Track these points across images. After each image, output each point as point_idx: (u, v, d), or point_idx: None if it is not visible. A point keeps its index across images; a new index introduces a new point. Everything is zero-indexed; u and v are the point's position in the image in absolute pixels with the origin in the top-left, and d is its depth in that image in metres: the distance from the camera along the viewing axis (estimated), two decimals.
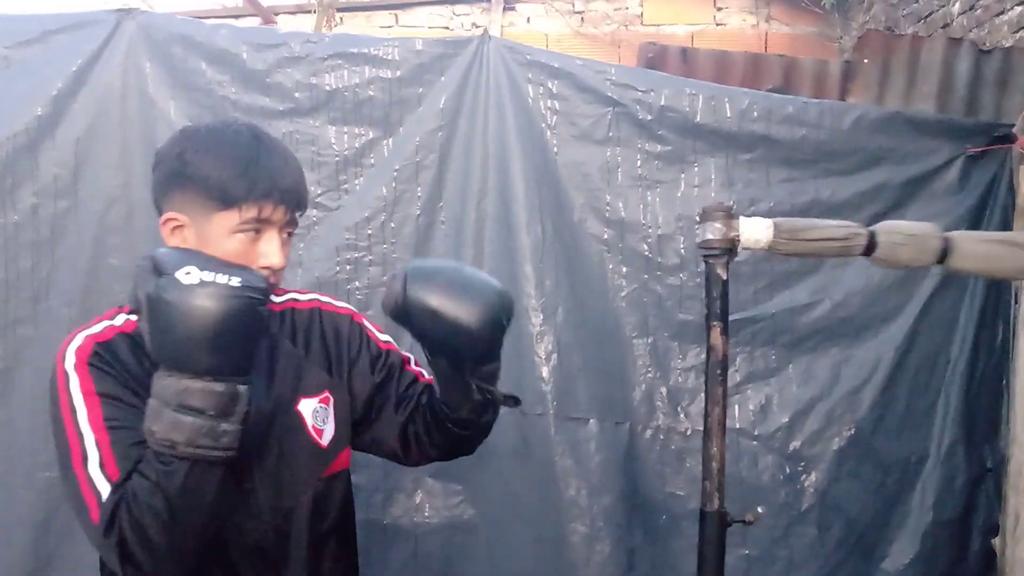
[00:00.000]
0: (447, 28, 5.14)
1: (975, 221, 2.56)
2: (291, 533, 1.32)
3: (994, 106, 2.83)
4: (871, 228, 1.29)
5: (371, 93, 2.46)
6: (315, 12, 4.31)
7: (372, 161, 2.47)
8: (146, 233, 2.37)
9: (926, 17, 3.83)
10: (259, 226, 1.23)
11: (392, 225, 2.45)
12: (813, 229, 1.28)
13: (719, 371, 1.30)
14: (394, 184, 2.45)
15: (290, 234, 1.30)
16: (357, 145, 2.46)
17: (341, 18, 4.95)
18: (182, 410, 1.06)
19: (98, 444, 1.13)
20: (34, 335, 2.36)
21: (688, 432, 2.48)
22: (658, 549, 2.49)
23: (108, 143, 2.38)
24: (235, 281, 1.07)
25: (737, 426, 2.51)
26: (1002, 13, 3.16)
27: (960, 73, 2.87)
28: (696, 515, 1.33)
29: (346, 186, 2.46)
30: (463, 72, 2.48)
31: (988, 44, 3.07)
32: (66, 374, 1.19)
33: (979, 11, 3.33)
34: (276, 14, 5.01)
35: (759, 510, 1.36)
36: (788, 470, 2.53)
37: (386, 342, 1.49)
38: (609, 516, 2.42)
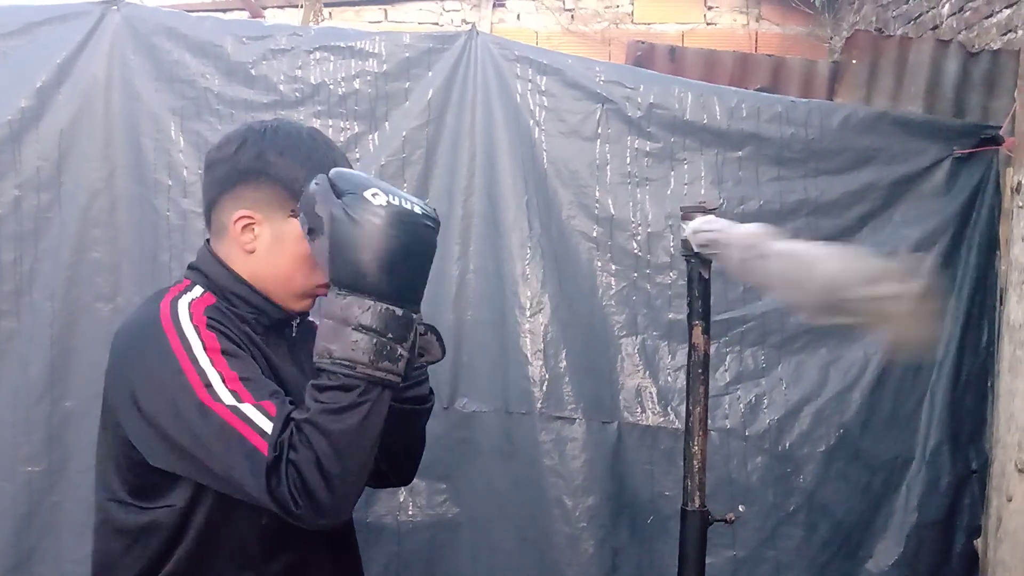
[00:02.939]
0: (436, 24, 5.13)
1: (962, 222, 2.57)
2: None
3: (981, 108, 2.83)
4: None
5: (357, 87, 2.45)
6: (302, 7, 4.29)
7: (357, 155, 2.45)
8: (129, 226, 2.36)
9: (916, 18, 3.83)
10: None
11: None
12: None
13: (700, 370, 1.30)
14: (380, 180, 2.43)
15: None
16: (342, 139, 2.44)
17: (330, 13, 4.93)
18: (362, 330, 1.06)
19: (239, 395, 1.12)
20: (17, 328, 2.34)
21: (678, 432, 2.47)
22: (644, 550, 2.48)
23: (92, 135, 2.36)
24: (418, 208, 1.09)
25: (727, 426, 2.51)
26: (991, 15, 3.17)
27: (948, 74, 2.87)
28: None
29: None
30: (450, 67, 2.46)
31: (976, 46, 3.07)
32: (183, 337, 1.16)
33: (968, 13, 3.33)
34: (264, 8, 4.98)
35: (740, 509, 1.35)
36: (777, 471, 2.52)
37: None
38: (593, 516, 2.42)
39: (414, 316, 1.10)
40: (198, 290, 1.26)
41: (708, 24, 5.14)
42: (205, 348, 1.15)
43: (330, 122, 2.44)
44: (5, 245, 2.33)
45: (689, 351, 1.31)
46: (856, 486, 2.54)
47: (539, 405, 2.43)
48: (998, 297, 2.57)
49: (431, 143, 2.46)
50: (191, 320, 1.18)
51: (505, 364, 2.45)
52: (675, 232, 2.50)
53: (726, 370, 2.52)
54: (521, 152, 2.48)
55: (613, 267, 2.52)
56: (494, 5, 5.12)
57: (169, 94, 2.39)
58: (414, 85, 2.46)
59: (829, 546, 2.53)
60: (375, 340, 1.06)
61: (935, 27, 3.62)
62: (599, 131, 2.50)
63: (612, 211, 2.51)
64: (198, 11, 4.64)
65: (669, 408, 2.51)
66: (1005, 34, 3.02)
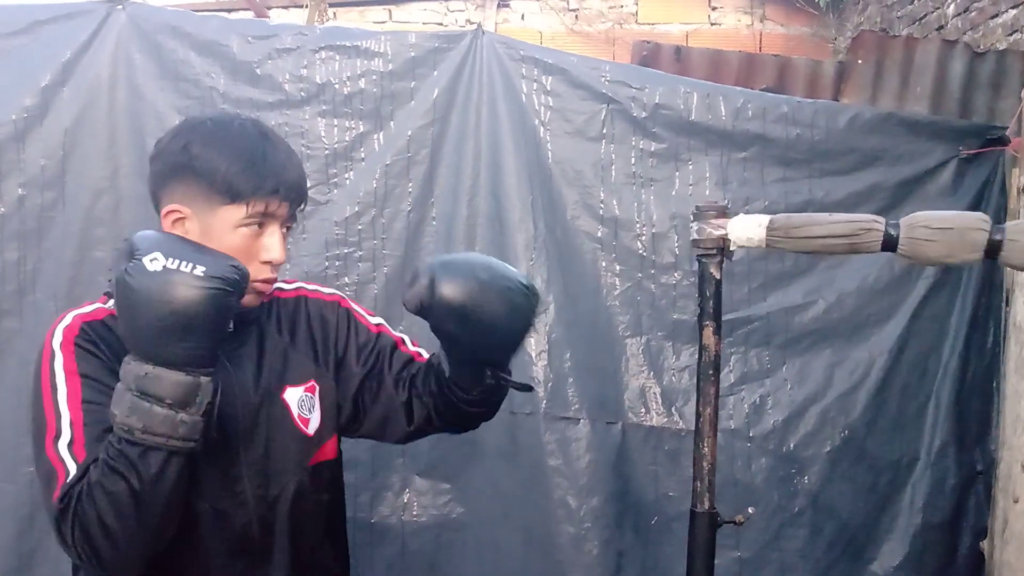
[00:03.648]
0: (441, 24, 5.13)
1: None
2: (275, 522, 1.31)
3: (987, 108, 2.83)
4: (895, 221, 1.18)
5: (362, 86, 2.44)
6: (307, 7, 4.28)
7: (362, 155, 2.45)
8: (133, 225, 2.34)
9: (921, 19, 3.83)
10: (263, 220, 1.25)
11: (382, 221, 2.43)
12: (813, 226, 1.21)
13: (711, 371, 1.29)
14: (385, 179, 2.43)
15: (289, 228, 1.31)
16: (347, 138, 2.44)
17: (334, 13, 4.93)
18: (142, 396, 1.06)
19: (72, 424, 1.14)
20: (19, 327, 2.33)
21: (683, 432, 2.47)
22: (649, 550, 2.47)
23: (96, 134, 2.35)
24: (199, 270, 1.06)
25: (732, 427, 2.50)
26: (997, 16, 3.16)
27: (954, 75, 2.87)
28: (688, 516, 1.32)
29: (336, 180, 2.44)
30: (456, 66, 2.46)
31: (982, 46, 3.07)
32: (52, 352, 1.19)
33: (974, 13, 3.33)
34: (269, 8, 4.98)
35: (749, 511, 1.34)
36: (781, 472, 2.52)
37: (377, 325, 1.49)
38: (598, 517, 2.41)
39: (202, 380, 1.08)
40: (77, 312, 1.27)
41: (712, 24, 5.13)
42: (64, 368, 1.18)
43: (335, 121, 2.44)
44: (8, 244, 2.32)
45: (700, 352, 1.30)
46: (861, 487, 2.53)
47: (543, 405, 2.43)
48: (1004, 297, 2.57)
49: (436, 142, 2.45)
50: (61, 337, 1.20)
51: (510, 364, 2.44)
52: (680, 232, 2.49)
53: (731, 371, 2.52)
54: (526, 152, 2.47)
55: (618, 267, 2.51)
56: (498, 5, 5.11)
57: (174, 93, 2.38)
58: (419, 84, 2.46)
59: (834, 547, 2.52)
60: (152, 406, 1.06)
61: (940, 27, 3.62)
62: (604, 131, 2.50)
63: (617, 211, 2.50)
64: (202, 11, 4.64)
65: (673, 409, 2.50)
66: (1011, 34, 3.01)
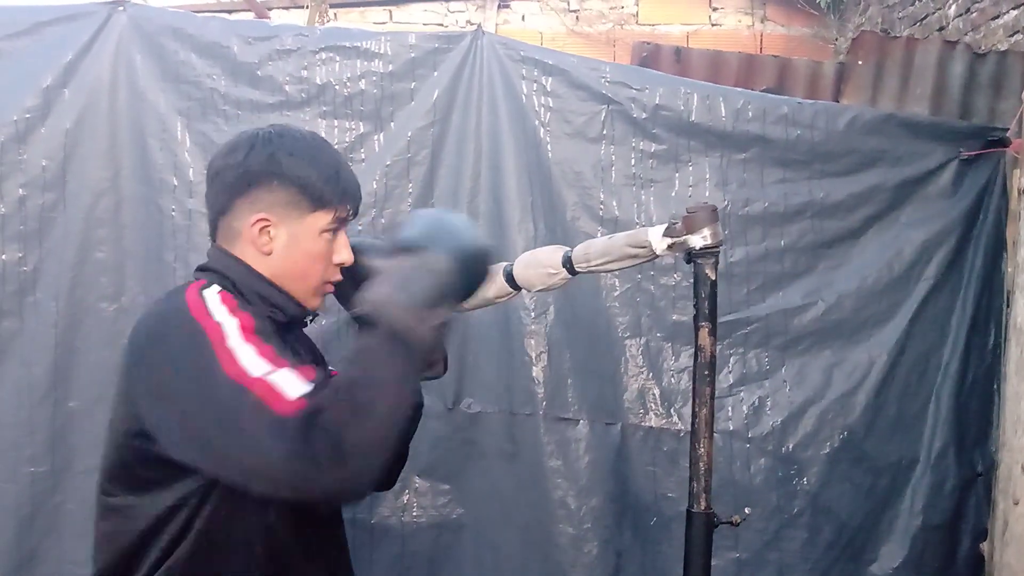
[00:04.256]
0: (441, 25, 5.14)
1: (968, 224, 2.56)
2: (338, 509, 1.40)
3: (988, 109, 2.83)
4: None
5: (362, 87, 2.44)
6: (308, 7, 4.29)
7: (363, 156, 2.45)
8: (134, 226, 2.36)
9: (922, 20, 3.83)
10: (339, 226, 1.33)
11: (383, 221, 2.44)
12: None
13: (707, 372, 1.30)
14: (385, 180, 2.43)
15: None
16: (348, 139, 2.45)
17: (335, 14, 4.93)
18: (406, 282, 1.17)
19: (274, 364, 1.11)
20: (19, 328, 2.33)
21: (681, 433, 2.47)
22: (648, 551, 2.47)
23: (97, 135, 2.36)
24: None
25: (730, 428, 2.50)
26: (998, 17, 3.16)
27: (954, 76, 2.87)
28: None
29: None
30: (456, 67, 2.46)
31: (983, 47, 3.07)
32: (218, 323, 1.16)
33: (975, 14, 3.33)
34: (270, 9, 4.99)
35: (746, 511, 1.35)
36: (780, 473, 2.52)
37: None
38: (597, 517, 2.41)
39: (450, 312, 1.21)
40: (216, 288, 1.26)
41: (713, 25, 5.14)
42: (240, 327, 1.16)
43: (336, 122, 2.44)
44: (9, 244, 2.33)
45: (696, 352, 1.31)
46: (860, 489, 2.53)
47: (543, 406, 2.43)
48: (1005, 299, 2.56)
49: (436, 143, 2.46)
50: (221, 302, 1.20)
51: (510, 365, 2.45)
52: None
53: (730, 372, 2.51)
54: (526, 153, 2.47)
55: None
56: (499, 6, 5.12)
57: (175, 94, 2.39)
58: (420, 85, 2.46)
59: (833, 549, 2.52)
60: (413, 293, 1.16)
61: (941, 28, 3.62)
62: (604, 132, 2.50)
63: (616, 212, 2.50)
64: (204, 11, 4.65)
65: (672, 410, 2.50)
66: (1012, 35, 3.01)
